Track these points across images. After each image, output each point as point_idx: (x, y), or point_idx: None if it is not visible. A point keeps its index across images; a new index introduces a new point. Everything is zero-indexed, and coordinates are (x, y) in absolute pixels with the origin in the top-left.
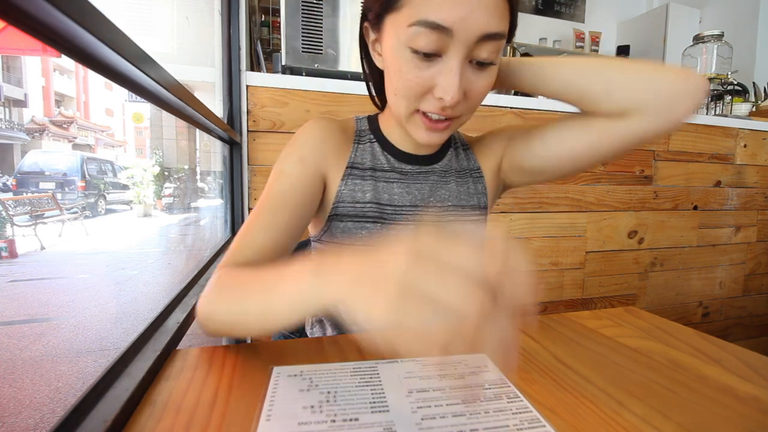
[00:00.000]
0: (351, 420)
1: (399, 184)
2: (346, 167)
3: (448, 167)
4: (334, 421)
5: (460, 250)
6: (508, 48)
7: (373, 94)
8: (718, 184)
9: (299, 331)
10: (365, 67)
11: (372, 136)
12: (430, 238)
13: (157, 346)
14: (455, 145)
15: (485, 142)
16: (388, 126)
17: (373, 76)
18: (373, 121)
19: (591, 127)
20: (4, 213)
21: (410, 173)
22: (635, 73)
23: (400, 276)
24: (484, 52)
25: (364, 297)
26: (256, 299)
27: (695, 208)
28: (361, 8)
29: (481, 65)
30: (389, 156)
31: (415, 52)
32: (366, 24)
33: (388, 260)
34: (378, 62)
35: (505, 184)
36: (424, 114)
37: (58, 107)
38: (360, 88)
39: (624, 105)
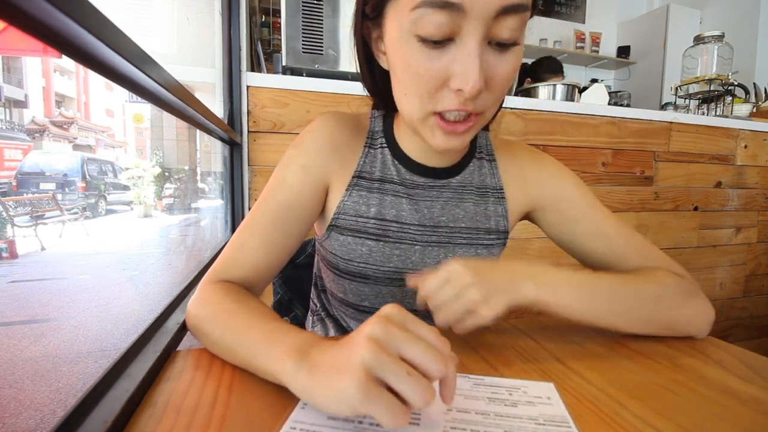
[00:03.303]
0: (376, 425)
1: (408, 200)
2: (353, 176)
3: (467, 182)
4: (360, 422)
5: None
6: None
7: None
8: (718, 184)
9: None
10: (365, 72)
11: (384, 140)
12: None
13: (157, 347)
14: (479, 155)
15: (522, 173)
16: (400, 130)
17: (375, 78)
18: (387, 123)
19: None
20: (4, 213)
21: (422, 187)
22: (653, 311)
23: (361, 363)
24: (505, 31)
25: (331, 393)
26: (243, 351)
27: (696, 208)
28: (355, 6)
29: (503, 46)
30: (400, 166)
31: (424, 40)
32: (366, 22)
33: (352, 350)
34: (383, 63)
35: (530, 218)
36: (441, 116)
37: (59, 108)
38: (361, 88)
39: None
